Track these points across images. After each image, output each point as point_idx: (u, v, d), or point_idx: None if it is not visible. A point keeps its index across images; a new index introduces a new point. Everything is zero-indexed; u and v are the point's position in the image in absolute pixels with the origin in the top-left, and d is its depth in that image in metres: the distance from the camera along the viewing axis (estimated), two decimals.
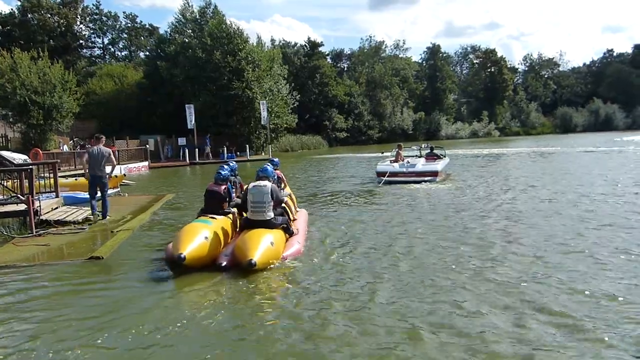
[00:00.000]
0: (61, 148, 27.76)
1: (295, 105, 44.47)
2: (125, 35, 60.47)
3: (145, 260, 6.96)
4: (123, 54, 61.21)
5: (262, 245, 6.09)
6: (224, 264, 6.17)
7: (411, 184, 14.67)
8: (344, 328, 4.30)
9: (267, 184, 6.88)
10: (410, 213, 10.19)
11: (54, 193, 11.13)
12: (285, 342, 4.10)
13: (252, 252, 5.92)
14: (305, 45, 62.41)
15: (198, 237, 6.17)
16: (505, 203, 10.99)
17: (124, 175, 18.64)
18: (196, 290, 5.55)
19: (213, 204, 7.28)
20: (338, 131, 58.50)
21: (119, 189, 15.33)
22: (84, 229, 9.16)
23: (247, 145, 36.03)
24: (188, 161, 32.63)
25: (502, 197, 11.88)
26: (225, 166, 7.82)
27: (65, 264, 6.87)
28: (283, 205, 7.38)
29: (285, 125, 42.81)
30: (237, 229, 7.28)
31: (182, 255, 5.81)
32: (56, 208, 10.43)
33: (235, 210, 7.56)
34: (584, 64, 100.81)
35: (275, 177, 7.83)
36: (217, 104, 36.60)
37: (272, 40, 62.47)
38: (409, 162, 16.32)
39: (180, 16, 43.56)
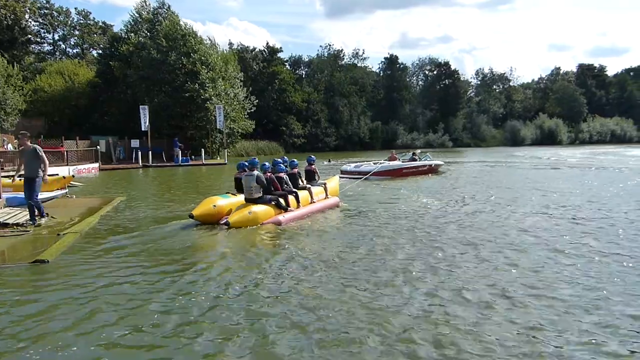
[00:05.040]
0: (5, 147, 26.46)
1: (253, 110, 44.24)
2: (77, 32, 58.40)
3: (94, 264, 6.76)
4: (75, 51, 59.02)
5: (241, 214, 9.18)
6: (222, 222, 9.16)
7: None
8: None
9: (254, 173, 9.65)
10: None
11: None
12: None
13: (231, 217, 9.11)
14: (264, 50, 62.31)
15: (209, 205, 9.59)
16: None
17: (73, 176, 17.98)
18: (143, 292, 5.44)
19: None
20: (295, 137, 58.64)
21: (66, 190, 14.76)
22: (28, 231, 8.78)
23: (202, 149, 35.45)
24: (141, 164, 31.77)
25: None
26: (267, 163, 10.77)
27: (8, 267, 6.57)
28: (297, 190, 10.76)
29: (241, 130, 42.49)
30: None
31: (191, 214, 9.37)
32: None
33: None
34: (533, 80, 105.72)
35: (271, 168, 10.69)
36: (171, 106, 35.87)
37: (230, 44, 62.13)
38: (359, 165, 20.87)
39: (136, 15, 42.56)
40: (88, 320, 4.65)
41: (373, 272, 6.25)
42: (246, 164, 10.31)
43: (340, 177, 15.95)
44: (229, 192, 10.72)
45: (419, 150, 25.67)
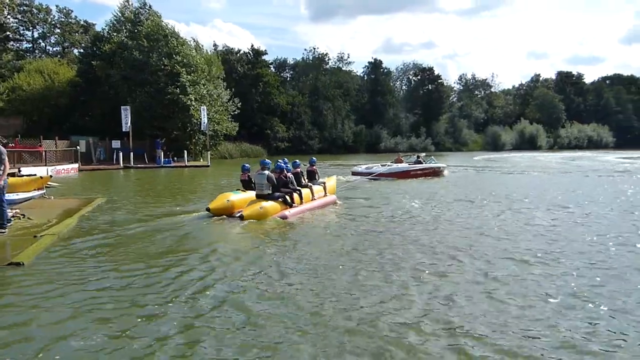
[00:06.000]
0: None
1: (237, 112, 44.07)
2: (58, 30, 57.40)
3: (71, 267, 6.64)
4: (55, 49, 57.99)
5: (253, 208, 10.38)
6: (237, 215, 10.39)
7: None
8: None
9: (266, 172, 10.87)
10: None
11: None
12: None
13: (245, 211, 10.33)
14: (248, 52, 62.13)
15: (223, 200, 11.00)
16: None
17: (50, 176, 17.61)
18: (122, 295, 5.37)
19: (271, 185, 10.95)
20: (279, 140, 58.56)
21: (44, 191, 14.47)
22: (3, 232, 8.58)
23: (185, 151, 35.14)
24: (122, 165, 31.35)
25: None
26: (281, 161, 12.16)
27: None
28: (300, 188, 11.86)
29: (224, 132, 42.27)
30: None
31: (207, 207, 10.77)
32: None
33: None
34: (513, 86, 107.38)
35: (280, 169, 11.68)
36: (154, 107, 35.49)
37: (215, 46, 61.79)
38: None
39: (119, 14, 42.04)
40: (64, 324, 4.57)
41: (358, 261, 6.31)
42: (248, 166, 12.21)
43: (352, 176, 20.03)
44: (239, 189, 12.05)
45: (423, 154, 27.25)
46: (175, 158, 34.75)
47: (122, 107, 33.29)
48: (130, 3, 42.10)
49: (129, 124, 32.99)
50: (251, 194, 11.21)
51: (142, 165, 32.41)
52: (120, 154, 31.98)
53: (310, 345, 4.19)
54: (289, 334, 4.42)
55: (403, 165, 22.90)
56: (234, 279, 6.14)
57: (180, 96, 35.53)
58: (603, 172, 27.41)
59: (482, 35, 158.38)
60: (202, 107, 36.07)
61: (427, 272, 6.48)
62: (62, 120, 38.20)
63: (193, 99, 36.51)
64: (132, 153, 32.50)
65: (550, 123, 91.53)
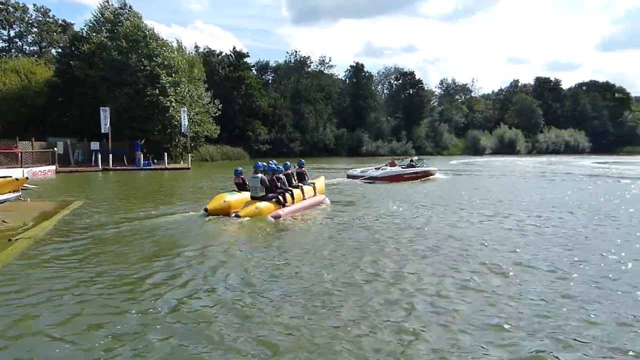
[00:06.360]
0: None
1: (218, 115, 43.83)
2: (36, 30, 56.36)
3: (47, 271, 6.55)
4: (32, 49, 56.90)
5: (249, 208, 11.12)
6: (233, 214, 11.02)
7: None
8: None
9: (258, 176, 11.57)
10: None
11: None
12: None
13: (241, 211, 11.05)
14: (230, 55, 61.91)
15: (220, 200, 11.49)
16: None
17: (26, 178, 17.28)
18: (100, 299, 5.31)
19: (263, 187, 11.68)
20: (261, 143, 58.44)
21: (19, 193, 14.19)
22: None
23: (165, 153, 34.75)
24: (100, 167, 30.89)
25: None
26: (273, 164, 12.78)
27: None
28: (291, 189, 12.55)
29: (205, 134, 41.98)
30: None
31: (205, 208, 11.28)
32: None
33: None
34: (493, 92, 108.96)
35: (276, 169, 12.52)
36: (134, 108, 35.04)
37: (197, 47, 61.40)
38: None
39: (99, 14, 41.47)
40: (38, 329, 4.51)
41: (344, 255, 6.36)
42: (240, 169, 12.91)
43: (347, 179, 21.37)
44: (234, 190, 12.61)
45: (415, 157, 28.10)
46: (155, 160, 34.36)
47: (101, 108, 32.80)
48: (110, 3, 41.61)
49: (108, 125, 32.53)
50: (246, 195, 11.88)
51: (121, 168, 31.97)
52: (99, 155, 31.49)
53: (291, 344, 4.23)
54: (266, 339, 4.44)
55: (397, 169, 23.43)
56: (207, 283, 6.13)
57: (160, 97, 35.18)
58: (577, 176, 28.02)
59: (463, 40, 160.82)
60: (182, 108, 35.78)
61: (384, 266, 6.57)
62: (39, 121, 37.49)
63: (173, 100, 36.20)
64: (110, 155, 32.05)
65: (529, 128, 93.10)
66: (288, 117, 63.76)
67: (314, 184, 14.50)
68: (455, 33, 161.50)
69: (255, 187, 11.59)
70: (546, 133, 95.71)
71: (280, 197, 11.87)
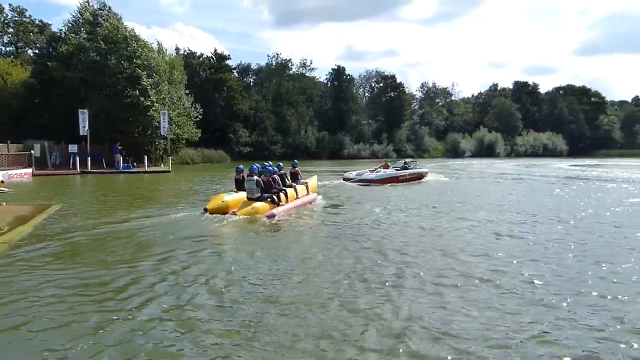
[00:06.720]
0: None
1: (199, 118, 43.59)
2: (12, 30, 55.27)
3: (24, 277, 6.47)
4: (8, 49, 55.77)
5: (246, 208, 11.70)
6: (231, 213, 11.69)
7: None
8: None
9: (254, 178, 12.22)
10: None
11: None
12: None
13: (238, 211, 11.71)
14: (211, 57, 61.64)
15: (219, 200, 12.22)
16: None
17: (2, 182, 17.00)
18: (79, 305, 5.30)
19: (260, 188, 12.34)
20: (242, 145, 58.29)
21: None
22: None
23: (145, 156, 34.39)
24: (79, 170, 30.42)
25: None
26: (268, 165, 13.23)
27: None
28: (285, 188, 13.20)
29: (186, 137, 41.70)
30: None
31: (204, 208, 11.97)
32: None
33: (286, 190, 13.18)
34: (473, 95, 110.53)
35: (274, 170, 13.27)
36: (113, 110, 34.61)
37: (177, 49, 60.98)
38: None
39: (78, 15, 40.93)
40: (13, 334, 4.48)
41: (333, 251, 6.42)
42: (242, 167, 13.81)
43: (343, 182, 22.42)
44: (232, 190, 13.42)
45: (409, 159, 28.90)
46: (135, 163, 33.98)
47: (79, 110, 32.33)
48: (90, 4, 41.12)
49: (86, 127, 32.08)
50: (243, 195, 12.54)
51: (100, 171, 31.55)
52: (77, 158, 31.01)
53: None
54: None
55: (392, 172, 24.01)
56: (182, 289, 6.15)
57: (141, 98, 34.85)
58: (554, 179, 28.60)
59: (443, 44, 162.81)
60: (162, 111, 35.48)
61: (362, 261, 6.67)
62: (15, 123, 36.81)
63: (154, 100, 35.92)
64: (89, 158, 31.61)
65: (508, 131, 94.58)
66: (270, 120, 63.75)
67: (306, 183, 15.24)
68: (436, 37, 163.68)
69: (251, 189, 12.22)
70: (525, 136, 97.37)
71: (275, 197, 12.46)
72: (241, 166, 13.91)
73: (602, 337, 4.74)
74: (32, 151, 29.62)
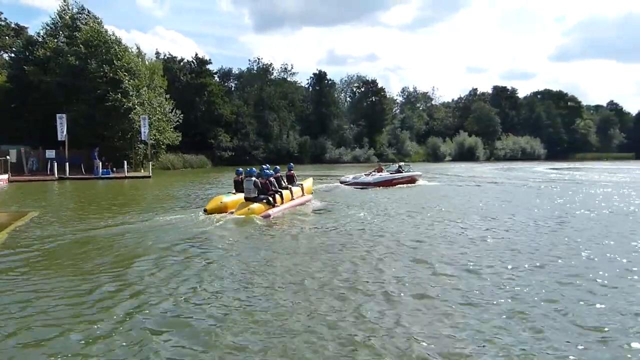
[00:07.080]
0: None
1: (179, 123, 43.23)
2: None
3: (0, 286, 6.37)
4: None
5: (243, 209, 12.33)
6: (229, 213, 12.35)
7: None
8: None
9: (252, 179, 12.91)
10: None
11: None
12: None
13: (236, 212, 12.40)
14: (192, 61, 61.33)
15: (217, 201, 12.98)
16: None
17: None
18: (50, 313, 5.25)
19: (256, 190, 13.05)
20: (223, 150, 58.06)
21: None
22: None
23: (125, 161, 33.93)
24: (57, 176, 29.91)
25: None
26: (266, 168, 14.31)
27: None
28: (281, 190, 14.00)
29: (166, 142, 41.33)
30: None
31: (204, 209, 12.58)
32: None
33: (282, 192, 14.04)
34: (453, 100, 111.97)
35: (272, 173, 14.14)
36: (92, 115, 34.13)
37: (157, 53, 60.54)
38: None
39: (57, 17, 40.30)
40: None
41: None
42: (241, 170, 14.55)
43: (340, 185, 23.18)
44: (230, 192, 14.17)
45: (402, 163, 29.97)
46: (115, 169, 33.53)
47: (57, 114, 31.79)
48: (69, 7, 40.54)
49: (64, 132, 31.57)
50: (241, 196, 13.21)
51: (79, 176, 31.07)
52: (55, 164, 30.49)
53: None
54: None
55: (386, 175, 24.88)
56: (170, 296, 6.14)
57: (123, 100, 34.48)
58: (532, 182, 29.15)
59: (423, 49, 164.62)
60: (142, 116, 35.14)
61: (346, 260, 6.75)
62: None
63: (136, 102, 35.59)
64: (67, 163, 31.12)
65: (487, 135, 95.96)
66: (251, 125, 63.68)
67: (302, 185, 16.20)
68: (416, 42, 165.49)
69: (249, 189, 12.97)
70: (504, 140, 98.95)
71: (271, 198, 13.19)
72: (240, 169, 14.75)
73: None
74: (8, 157, 29.07)
